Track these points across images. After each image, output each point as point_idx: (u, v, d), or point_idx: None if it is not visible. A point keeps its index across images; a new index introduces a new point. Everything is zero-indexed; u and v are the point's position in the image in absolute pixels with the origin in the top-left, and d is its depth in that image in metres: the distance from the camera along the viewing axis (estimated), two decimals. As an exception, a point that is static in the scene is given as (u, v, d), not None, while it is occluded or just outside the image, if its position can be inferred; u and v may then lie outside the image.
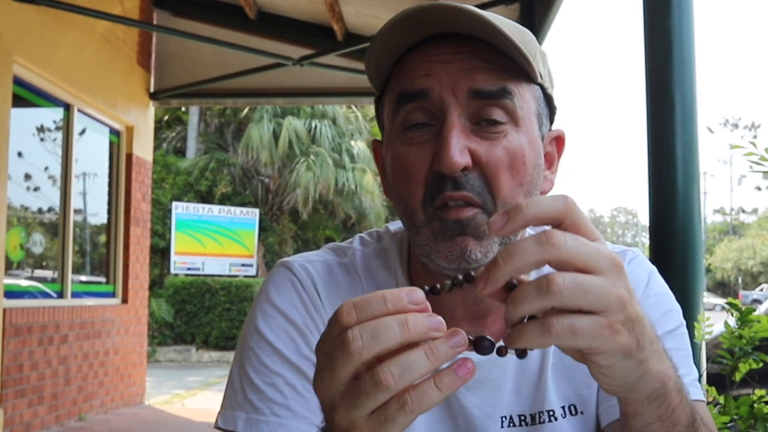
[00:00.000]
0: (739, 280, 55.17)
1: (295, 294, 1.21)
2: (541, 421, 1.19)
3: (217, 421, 1.19)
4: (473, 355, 0.76)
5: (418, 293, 0.73)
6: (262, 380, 1.16)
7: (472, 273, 0.76)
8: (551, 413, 1.19)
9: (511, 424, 1.19)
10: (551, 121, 1.19)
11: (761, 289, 46.50)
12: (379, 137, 1.24)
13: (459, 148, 1.04)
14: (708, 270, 57.65)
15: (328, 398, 0.75)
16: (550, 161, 1.21)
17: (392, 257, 1.26)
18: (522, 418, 1.19)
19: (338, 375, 0.72)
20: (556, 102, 1.20)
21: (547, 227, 0.76)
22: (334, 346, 0.72)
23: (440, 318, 0.72)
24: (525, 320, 0.75)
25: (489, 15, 1.04)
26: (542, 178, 1.16)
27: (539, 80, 1.13)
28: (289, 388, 1.15)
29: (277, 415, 1.14)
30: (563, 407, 1.20)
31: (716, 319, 2.15)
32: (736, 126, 76.36)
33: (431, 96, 1.07)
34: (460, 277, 0.77)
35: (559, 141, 1.22)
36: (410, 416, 0.71)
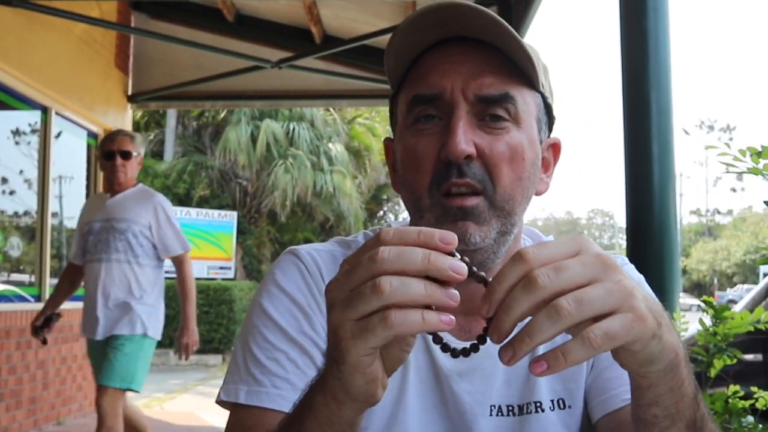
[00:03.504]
0: (715, 281, 55.64)
1: (300, 278, 1.27)
2: (528, 411, 1.24)
3: (219, 395, 1.24)
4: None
5: (451, 235, 0.79)
6: (264, 355, 1.21)
7: (485, 276, 0.82)
8: (538, 405, 1.25)
9: (500, 413, 1.24)
10: (550, 130, 1.28)
11: (736, 290, 46.90)
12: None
13: (465, 138, 1.12)
14: (684, 271, 58.12)
15: (333, 298, 0.81)
16: (547, 166, 1.29)
17: None
18: (510, 408, 1.25)
19: (353, 279, 0.79)
20: (555, 113, 1.27)
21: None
22: (364, 257, 0.78)
23: (464, 265, 0.78)
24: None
25: (501, 19, 1.12)
26: (539, 179, 1.25)
27: (541, 88, 1.21)
28: (291, 363, 1.20)
29: (277, 387, 1.19)
30: (552, 400, 1.26)
31: (693, 319, 2.18)
32: (711, 128, 76.92)
33: (444, 96, 1.15)
34: (482, 274, 0.82)
35: (555, 148, 1.31)
36: (388, 332, 0.77)
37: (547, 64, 1.26)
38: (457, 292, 0.78)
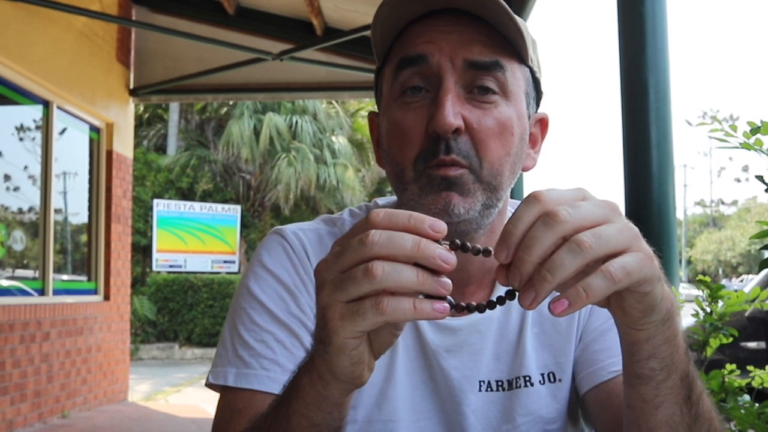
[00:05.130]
0: (720, 272, 55.54)
1: (286, 258, 1.26)
2: (517, 386, 1.25)
3: (208, 378, 1.23)
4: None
5: (441, 224, 0.78)
6: (252, 337, 1.21)
7: (490, 249, 0.81)
8: (527, 378, 1.25)
9: (489, 389, 1.25)
10: (537, 105, 1.26)
11: (741, 280, 46.81)
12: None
13: (453, 111, 1.10)
14: (689, 262, 58.07)
15: (322, 278, 0.81)
16: (534, 141, 1.27)
17: None
18: (499, 383, 1.25)
19: (343, 261, 0.78)
20: (543, 88, 1.26)
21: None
22: (354, 239, 0.78)
23: (453, 256, 0.77)
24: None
25: None
26: (526, 154, 1.23)
27: (529, 62, 1.19)
28: (279, 345, 1.20)
29: (266, 369, 1.18)
30: (542, 374, 1.26)
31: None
32: (714, 118, 76.57)
33: (430, 61, 1.13)
34: (479, 246, 0.81)
35: (543, 123, 1.29)
36: (379, 318, 0.77)
37: (542, 45, 1.25)
38: (449, 281, 0.78)
